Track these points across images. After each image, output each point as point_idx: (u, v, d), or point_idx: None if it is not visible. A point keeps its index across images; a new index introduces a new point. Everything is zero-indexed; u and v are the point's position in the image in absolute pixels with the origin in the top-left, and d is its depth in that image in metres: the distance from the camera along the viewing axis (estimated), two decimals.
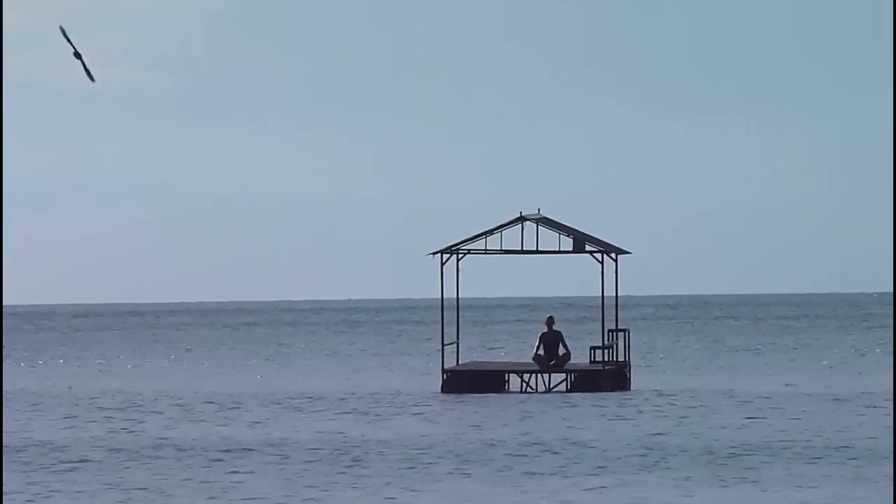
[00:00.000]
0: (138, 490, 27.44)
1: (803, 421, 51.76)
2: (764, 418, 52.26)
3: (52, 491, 25.71)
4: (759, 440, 44.49)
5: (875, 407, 55.24)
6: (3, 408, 53.23)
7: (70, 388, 77.14)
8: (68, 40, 46.55)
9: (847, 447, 41.79)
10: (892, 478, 21.60)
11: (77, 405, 62.87)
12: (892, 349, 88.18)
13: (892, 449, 26.78)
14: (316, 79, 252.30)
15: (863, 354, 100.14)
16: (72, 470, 34.28)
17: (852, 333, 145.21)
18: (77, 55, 42.13)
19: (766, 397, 62.83)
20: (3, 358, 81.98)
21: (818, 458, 38.34)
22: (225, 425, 51.56)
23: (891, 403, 50.74)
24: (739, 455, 37.99)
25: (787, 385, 71.01)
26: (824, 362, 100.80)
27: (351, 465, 35.97)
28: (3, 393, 60.56)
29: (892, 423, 31.83)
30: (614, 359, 61.50)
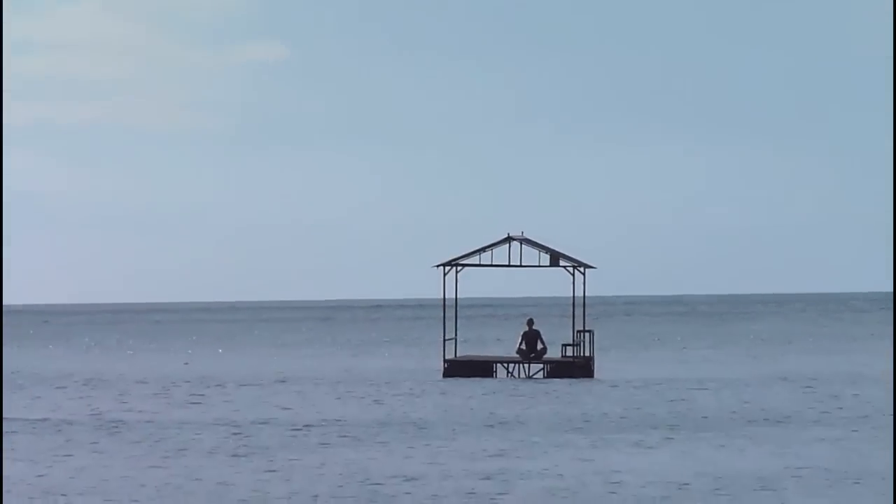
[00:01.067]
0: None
1: (733, 397, 60.93)
2: (698, 393, 62.23)
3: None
4: (693, 412, 53.22)
5: (787, 380, 66.27)
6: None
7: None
8: None
9: (766, 417, 50.95)
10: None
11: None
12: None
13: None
14: (334, 118, 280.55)
15: (789, 342, 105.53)
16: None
17: (789, 320, 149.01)
18: None
19: (702, 380, 71.53)
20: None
21: (749, 423, 48.60)
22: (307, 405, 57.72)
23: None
24: (676, 425, 47.35)
25: (718, 372, 78.72)
26: (758, 349, 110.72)
27: (382, 428, 48.03)
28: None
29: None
30: (582, 354, 70.93)
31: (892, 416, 28.55)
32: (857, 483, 31.19)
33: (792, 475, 34.18)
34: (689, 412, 53.80)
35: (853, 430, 46.37)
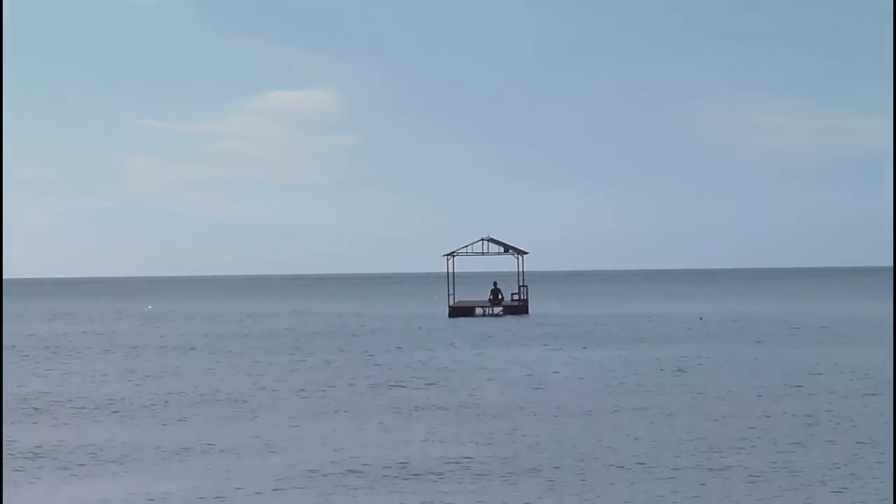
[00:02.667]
0: None
1: (617, 325, 75.43)
2: (590, 325, 76.33)
3: None
4: (583, 334, 66.89)
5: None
6: None
7: None
8: None
9: (640, 337, 64.01)
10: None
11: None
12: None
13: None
14: (386, 175, 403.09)
15: (701, 322, 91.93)
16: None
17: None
18: None
19: (598, 316, 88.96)
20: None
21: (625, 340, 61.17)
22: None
23: None
24: (578, 336, 63.71)
25: (611, 311, 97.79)
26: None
27: (420, 339, 64.14)
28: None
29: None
30: (522, 300, 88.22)
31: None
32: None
33: (657, 364, 45.42)
34: (577, 334, 66.74)
35: (710, 344, 56.61)
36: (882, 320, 74.75)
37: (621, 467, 22.66)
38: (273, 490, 20.60)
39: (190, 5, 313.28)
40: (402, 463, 22.70)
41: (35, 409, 33.80)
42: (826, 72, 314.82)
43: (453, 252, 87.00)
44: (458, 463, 22.70)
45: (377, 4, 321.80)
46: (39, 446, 26.22)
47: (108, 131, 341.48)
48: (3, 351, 56.14)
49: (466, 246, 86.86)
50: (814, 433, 26.37)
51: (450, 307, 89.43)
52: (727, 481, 20.71)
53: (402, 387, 38.84)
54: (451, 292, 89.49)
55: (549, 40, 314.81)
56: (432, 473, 21.72)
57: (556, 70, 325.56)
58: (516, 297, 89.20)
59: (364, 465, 22.75)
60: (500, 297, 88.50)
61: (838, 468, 21.73)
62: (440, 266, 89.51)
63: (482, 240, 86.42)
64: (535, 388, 37.77)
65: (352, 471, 22.06)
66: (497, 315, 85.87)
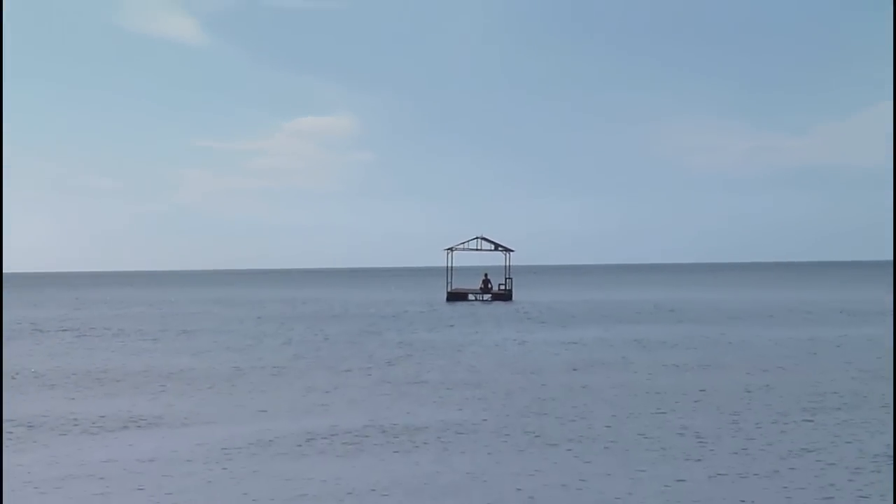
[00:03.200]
0: None
1: (587, 307, 74.44)
2: (563, 307, 74.43)
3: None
4: (556, 316, 64.92)
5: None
6: None
7: None
8: None
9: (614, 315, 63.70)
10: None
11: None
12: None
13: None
14: (399, 187, 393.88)
15: (654, 307, 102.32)
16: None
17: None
18: None
19: (569, 301, 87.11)
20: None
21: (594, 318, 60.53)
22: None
23: None
24: (554, 319, 62.06)
25: (586, 298, 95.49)
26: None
27: (424, 318, 63.27)
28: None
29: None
30: (507, 289, 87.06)
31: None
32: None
33: (619, 339, 44.73)
34: (553, 317, 65.22)
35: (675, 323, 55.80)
36: (797, 305, 75.22)
37: (587, 419, 23.10)
38: (306, 441, 20.48)
39: (236, 47, 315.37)
40: (407, 425, 22.35)
41: (116, 380, 33.00)
42: (758, 100, 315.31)
43: (452, 248, 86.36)
44: (458, 424, 22.49)
45: (386, 47, 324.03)
46: (137, 412, 25.44)
47: (169, 149, 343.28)
48: (83, 328, 55.25)
49: (463, 243, 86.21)
50: (752, 397, 26.65)
51: (448, 293, 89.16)
52: (681, 438, 20.68)
53: (410, 356, 38.82)
54: (449, 281, 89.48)
55: (532, 75, 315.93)
56: (429, 430, 21.40)
57: (538, 99, 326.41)
58: (503, 286, 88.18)
59: (379, 425, 22.29)
60: (489, 286, 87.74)
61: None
62: (441, 260, 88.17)
63: (476, 238, 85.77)
64: (517, 359, 37.61)
65: (371, 427, 21.81)
66: (486, 301, 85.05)
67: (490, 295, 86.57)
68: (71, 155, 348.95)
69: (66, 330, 58.27)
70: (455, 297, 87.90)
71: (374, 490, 15.67)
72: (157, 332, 55.51)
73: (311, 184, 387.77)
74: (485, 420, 22.64)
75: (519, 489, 15.79)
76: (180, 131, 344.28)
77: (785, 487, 15.86)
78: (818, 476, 16.49)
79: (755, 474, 16.72)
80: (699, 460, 17.85)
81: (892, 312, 56.52)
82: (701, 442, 19.62)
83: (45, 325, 62.64)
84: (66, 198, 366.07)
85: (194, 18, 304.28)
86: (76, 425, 22.58)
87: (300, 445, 19.54)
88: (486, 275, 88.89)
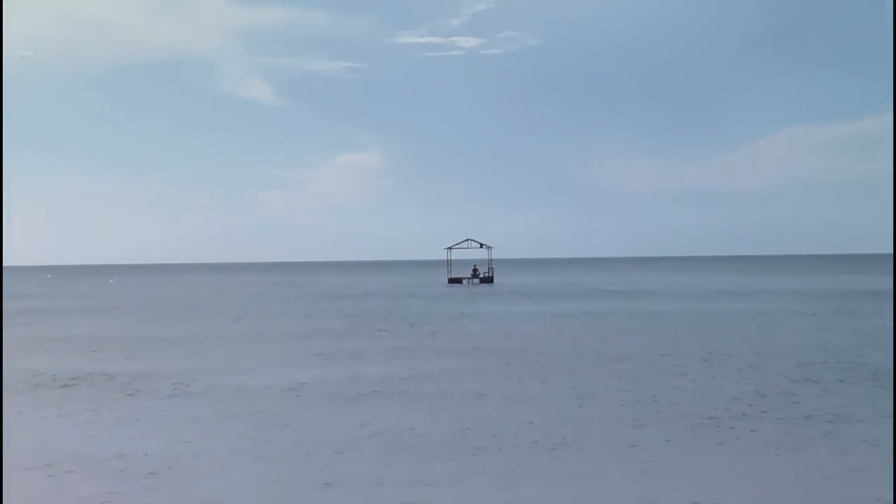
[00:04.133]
0: None
1: (557, 279, 70.69)
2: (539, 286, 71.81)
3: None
4: (537, 292, 63.88)
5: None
6: None
7: None
8: None
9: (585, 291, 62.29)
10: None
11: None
12: None
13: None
14: (410, 198, 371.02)
15: (594, 288, 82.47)
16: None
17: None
18: None
19: (540, 284, 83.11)
20: None
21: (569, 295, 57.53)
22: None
23: None
24: (529, 296, 59.77)
25: (560, 280, 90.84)
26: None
27: (432, 295, 61.86)
28: None
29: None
30: (490, 276, 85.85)
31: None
32: None
33: (577, 312, 41.49)
34: (524, 294, 63.35)
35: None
36: (690, 286, 73.16)
37: (549, 360, 22.68)
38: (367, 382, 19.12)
39: (299, 105, 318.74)
40: (416, 375, 20.51)
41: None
42: (666, 141, 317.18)
43: (450, 247, 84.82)
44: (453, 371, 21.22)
45: (404, 103, 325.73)
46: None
47: (253, 176, 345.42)
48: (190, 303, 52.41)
49: (458, 243, 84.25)
50: (667, 352, 25.16)
51: (448, 279, 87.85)
52: (610, 374, 19.58)
53: (427, 322, 37.27)
54: (448, 270, 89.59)
55: (510, 123, 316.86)
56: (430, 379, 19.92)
57: (514, 140, 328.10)
58: (486, 273, 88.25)
59: (389, 378, 20.06)
60: (477, 273, 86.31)
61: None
62: (442, 255, 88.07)
63: (467, 240, 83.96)
64: (498, 322, 36.36)
65: (390, 380, 19.78)
66: (475, 284, 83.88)
67: (478, 279, 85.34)
68: (181, 179, 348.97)
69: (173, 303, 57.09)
70: (453, 281, 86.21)
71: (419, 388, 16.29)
72: (248, 304, 55.12)
73: (350, 201, 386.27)
74: (479, 362, 22.63)
75: (505, 398, 16.69)
76: (261, 164, 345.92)
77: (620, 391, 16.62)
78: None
79: (628, 391, 17.00)
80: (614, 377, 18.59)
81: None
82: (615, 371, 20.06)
83: (161, 300, 61.80)
84: (177, 210, 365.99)
85: (271, 85, 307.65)
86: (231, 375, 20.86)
87: (353, 385, 18.62)
88: (474, 266, 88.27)
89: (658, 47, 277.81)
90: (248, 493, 9.86)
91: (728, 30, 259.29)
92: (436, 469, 10.90)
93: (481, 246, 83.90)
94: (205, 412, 15.19)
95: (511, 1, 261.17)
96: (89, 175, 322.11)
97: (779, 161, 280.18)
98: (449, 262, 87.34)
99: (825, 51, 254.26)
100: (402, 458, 11.54)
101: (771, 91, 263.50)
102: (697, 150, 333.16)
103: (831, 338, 26.98)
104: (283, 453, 11.82)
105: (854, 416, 14.25)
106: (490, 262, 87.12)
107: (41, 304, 56.97)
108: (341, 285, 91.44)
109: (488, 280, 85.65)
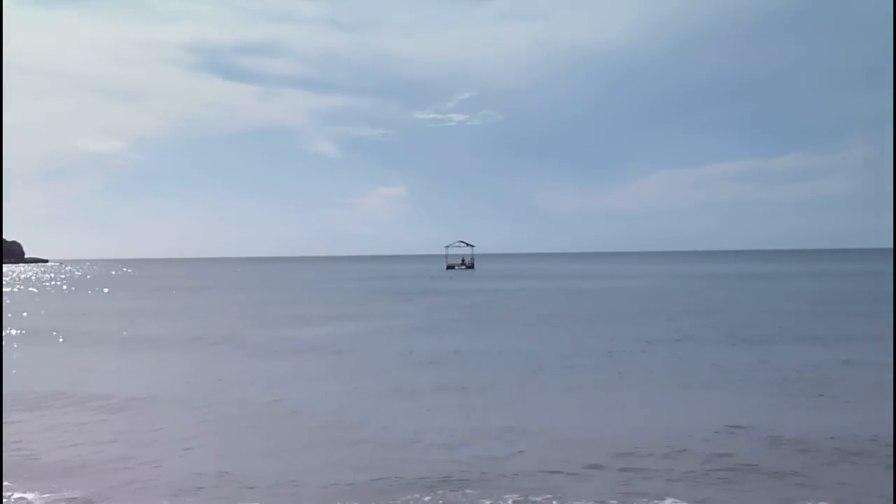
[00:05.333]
0: None
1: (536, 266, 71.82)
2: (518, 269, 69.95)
3: None
4: (506, 274, 61.54)
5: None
6: None
7: None
8: None
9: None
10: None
11: None
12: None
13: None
14: (421, 215, 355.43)
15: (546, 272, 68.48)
16: None
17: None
18: None
19: (518, 268, 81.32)
20: None
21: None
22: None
23: None
24: (502, 277, 56.55)
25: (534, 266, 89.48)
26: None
27: (433, 277, 57.27)
28: None
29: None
30: (472, 264, 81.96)
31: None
32: None
33: (542, 289, 37.77)
34: (498, 276, 60.62)
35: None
36: (611, 272, 67.79)
37: (518, 320, 21.44)
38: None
39: (353, 156, 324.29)
40: (413, 351, 15.66)
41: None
42: (586, 175, 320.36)
43: (447, 245, 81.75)
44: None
45: (418, 154, 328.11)
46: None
47: (322, 203, 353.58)
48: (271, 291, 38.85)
49: (452, 243, 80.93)
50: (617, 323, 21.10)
51: (446, 266, 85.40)
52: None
53: (434, 293, 35.48)
54: (446, 261, 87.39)
55: (487, 167, 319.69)
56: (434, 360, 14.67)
57: (488, 177, 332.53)
58: (470, 263, 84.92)
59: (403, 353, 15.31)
60: (464, 262, 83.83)
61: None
62: (442, 251, 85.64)
63: (458, 241, 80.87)
64: (483, 295, 34.52)
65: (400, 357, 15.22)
66: (464, 269, 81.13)
67: (465, 266, 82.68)
68: (280, 203, 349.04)
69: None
70: (449, 267, 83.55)
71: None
72: (351, 284, 50.74)
73: (384, 218, 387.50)
74: (468, 319, 22.09)
75: (491, 350, 15.20)
76: (328, 193, 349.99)
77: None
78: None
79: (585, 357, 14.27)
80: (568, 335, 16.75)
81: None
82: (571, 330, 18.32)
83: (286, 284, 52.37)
84: (278, 223, 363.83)
85: (335, 144, 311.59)
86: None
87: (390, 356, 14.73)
88: (462, 257, 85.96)
89: (579, 119, 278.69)
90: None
91: (623, 106, 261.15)
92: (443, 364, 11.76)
93: (466, 245, 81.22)
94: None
95: (486, 92, 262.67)
96: (239, 198, 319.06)
97: (654, 192, 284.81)
98: (446, 256, 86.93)
99: (688, 121, 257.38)
100: (421, 366, 12.04)
101: (648, 146, 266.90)
102: (604, 184, 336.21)
103: (684, 299, 27.21)
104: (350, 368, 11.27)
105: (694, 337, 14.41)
106: (472, 255, 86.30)
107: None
108: (378, 271, 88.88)
109: (471, 266, 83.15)
